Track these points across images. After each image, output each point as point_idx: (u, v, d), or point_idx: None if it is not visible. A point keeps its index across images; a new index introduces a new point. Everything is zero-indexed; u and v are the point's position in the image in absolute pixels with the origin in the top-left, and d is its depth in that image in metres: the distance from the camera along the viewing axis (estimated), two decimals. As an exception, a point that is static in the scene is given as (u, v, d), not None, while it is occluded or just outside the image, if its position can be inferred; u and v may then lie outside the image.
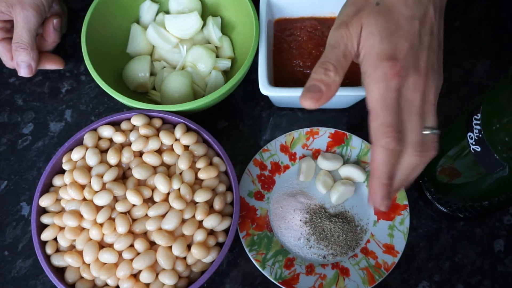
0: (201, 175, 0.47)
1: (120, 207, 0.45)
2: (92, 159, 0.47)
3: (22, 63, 0.54)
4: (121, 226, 0.44)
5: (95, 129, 0.50)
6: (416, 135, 0.34)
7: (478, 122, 0.38)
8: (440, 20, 0.37)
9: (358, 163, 0.53)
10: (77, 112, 0.59)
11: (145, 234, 0.46)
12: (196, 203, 0.46)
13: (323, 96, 0.35)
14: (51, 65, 0.58)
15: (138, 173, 0.46)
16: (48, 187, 0.49)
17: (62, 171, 0.49)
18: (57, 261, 0.45)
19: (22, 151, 0.57)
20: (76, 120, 0.58)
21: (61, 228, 0.46)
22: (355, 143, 0.54)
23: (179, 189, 0.46)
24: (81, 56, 0.52)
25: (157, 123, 0.50)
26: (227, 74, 0.58)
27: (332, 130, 0.54)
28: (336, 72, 0.35)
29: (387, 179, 0.34)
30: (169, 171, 0.48)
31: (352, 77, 0.53)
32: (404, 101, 0.34)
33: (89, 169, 0.47)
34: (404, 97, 0.34)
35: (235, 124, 0.57)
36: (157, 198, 0.46)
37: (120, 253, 0.44)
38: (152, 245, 0.45)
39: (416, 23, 0.35)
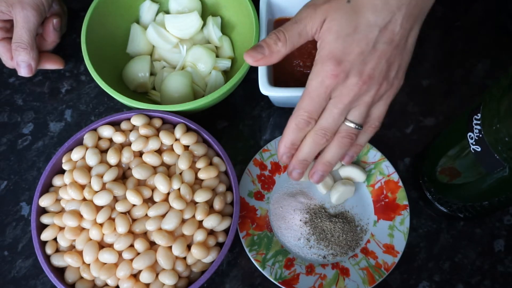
0: (201, 175, 0.47)
1: (120, 207, 0.45)
2: (92, 159, 0.47)
3: (22, 63, 0.54)
4: (121, 226, 0.44)
5: (95, 129, 0.50)
6: (325, 121, 0.40)
7: (478, 122, 0.38)
8: (411, 28, 0.38)
9: (358, 163, 0.53)
10: (77, 112, 0.59)
11: (145, 234, 0.46)
12: (196, 203, 0.46)
13: (263, 58, 0.40)
14: (51, 65, 0.58)
15: (138, 173, 0.46)
16: (48, 187, 0.49)
17: (62, 171, 0.49)
18: (57, 261, 0.45)
19: (22, 151, 0.57)
20: (76, 120, 0.58)
21: (61, 228, 0.46)
22: (355, 143, 0.54)
23: (179, 189, 0.46)
24: (81, 56, 0.52)
25: (157, 123, 0.50)
26: (227, 74, 0.58)
27: (332, 130, 0.54)
28: (284, 44, 0.39)
29: (288, 144, 0.42)
30: (169, 171, 0.48)
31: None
32: (336, 95, 0.39)
33: (89, 169, 0.47)
34: (337, 91, 0.38)
35: (235, 124, 0.57)
36: (157, 198, 0.46)
37: (120, 253, 0.44)
38: (152, 245, 0.45)
39: (376, 30, 0.37)
